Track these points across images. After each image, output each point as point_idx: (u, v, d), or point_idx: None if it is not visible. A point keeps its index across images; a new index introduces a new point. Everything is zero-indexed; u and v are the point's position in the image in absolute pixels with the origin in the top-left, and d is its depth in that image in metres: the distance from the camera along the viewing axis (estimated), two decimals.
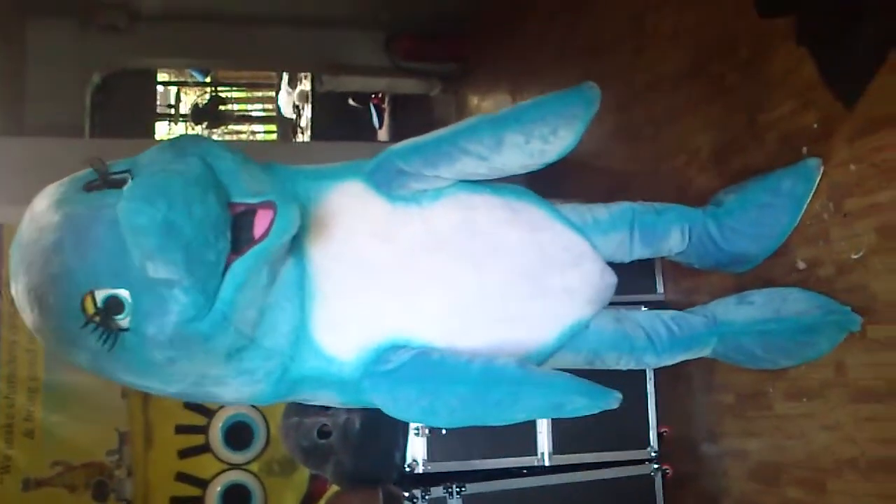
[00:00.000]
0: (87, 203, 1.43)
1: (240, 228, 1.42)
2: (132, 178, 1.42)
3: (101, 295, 1.41)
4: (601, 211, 2.01)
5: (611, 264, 1.99)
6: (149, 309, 1.39)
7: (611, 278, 1.97)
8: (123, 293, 1.40)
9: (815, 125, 2.11)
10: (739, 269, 2.23)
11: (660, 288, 2.81)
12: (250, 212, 1.43)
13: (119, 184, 1.43)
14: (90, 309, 1.42)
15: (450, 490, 2.48)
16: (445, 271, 1.72)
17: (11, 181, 3.63)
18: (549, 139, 1.68)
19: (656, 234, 2.06)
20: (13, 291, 1.52)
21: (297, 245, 1.57)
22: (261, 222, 1.42)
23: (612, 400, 1.62)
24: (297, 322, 1.59)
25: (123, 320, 1.41)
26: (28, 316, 1.52)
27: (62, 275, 1.42)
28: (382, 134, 7.37)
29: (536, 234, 1.85)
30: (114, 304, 1.41)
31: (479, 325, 1.75)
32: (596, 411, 1.64)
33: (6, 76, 4.81)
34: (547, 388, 1.65)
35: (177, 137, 1.54)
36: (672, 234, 2.08)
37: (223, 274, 1.40)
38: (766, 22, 2.28)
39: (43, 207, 1.49)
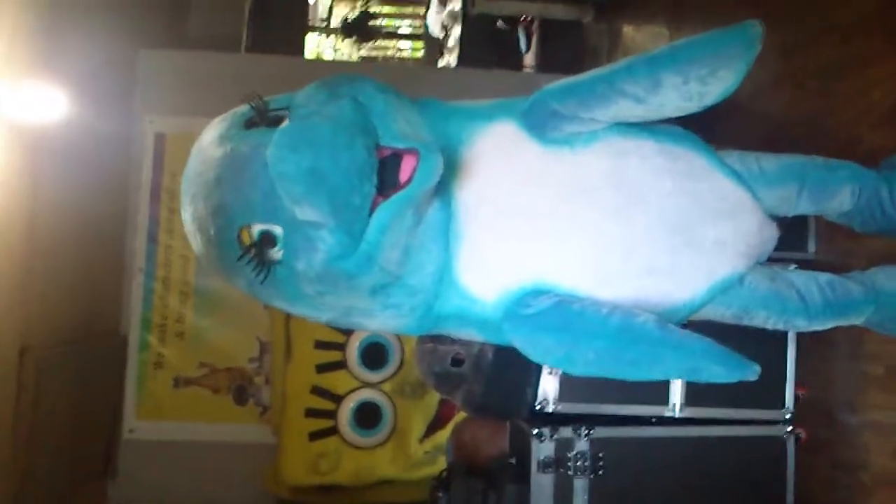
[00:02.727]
0: (246, 141, 1.48)
1: (386, 171, 1.43)
2: (288, 118, 1.46)
3: (256, 229, 1.47)
4: (771, 161, 1.92)
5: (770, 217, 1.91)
6: (299, 246, 1.45)
7: (771, 232, 1.89)
8: (277, 229, 1.46)
9: None
10: None
11: (811, 247, 2.69)
12: (397, 156, 1.44)
13: (277, 122, 1.47)
14: (246, 241, 1.48)
15: (578, 432, 2.49)
16: (593, 219, 1.69)
17: (172, 93, 3.82)
18: (707, 81, 1.60)
19: (826, 193, 1.96)
20: (183, 218, 1.61)
21: (444, 187, 1.56)
22: (406, 167, 1.44)
23: (751, 373, 1.58)
24: (441, 262, 1.60)
25: (277, 253, 1.47)
26: (194, 243, 1.61)
27: (221, 209, 1.48)
28: (529, 59, 7.26)
29: (691, 182, 1.78)
30: (268, 239, 1.47)
31: (625, 276, 1.72)
32: (733, 381, 1.60)
33: None
34: (685, 353, 1.61)
35: (333, 77, 1.55)
36: (842, 193, 1.97)
37: (369, 215, 1.43)
38: None
39: (207, 141, 1.55)
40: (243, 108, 1.55)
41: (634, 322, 1.62)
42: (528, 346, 1.68)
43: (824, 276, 2.02)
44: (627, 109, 1.66)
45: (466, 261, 1.63)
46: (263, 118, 1.51)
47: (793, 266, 2.11)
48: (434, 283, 1.61)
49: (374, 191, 1.42)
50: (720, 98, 1.65)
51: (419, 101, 1.67)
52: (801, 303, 1.95)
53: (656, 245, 1.73)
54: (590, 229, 1.69)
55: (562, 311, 1.64)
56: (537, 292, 1.66)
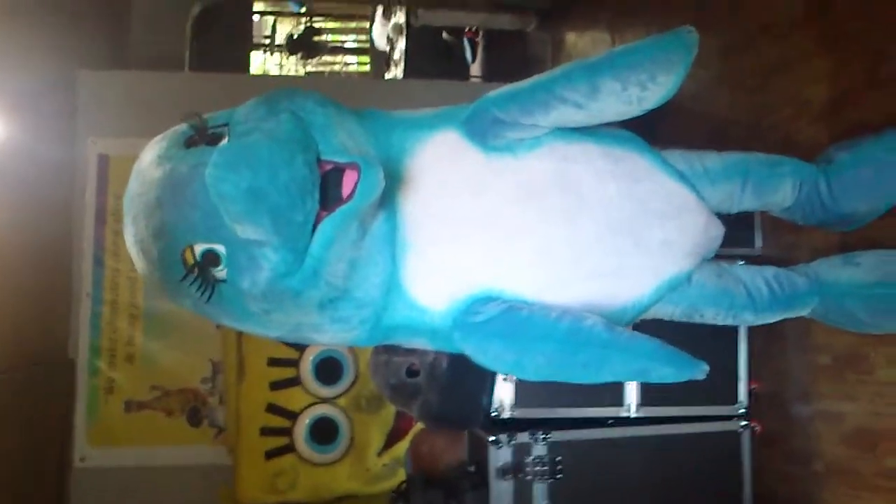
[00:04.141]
0: (185, 160, 1.46)
1: (329, 186, 1.42)
2: (228, 135, 1.45)
3: (199, 249, 1.45)
4: (714, 160, 1.94)
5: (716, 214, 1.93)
6: (242, 265, 1.43)
7: (716, 230, 1.91)
8: (220, 248, 1.44)
9: None
10: (845, 229, 2.15)
11: (758, 242, 2.73)
12: (339, 170, 1.43)
13: (216, 139, 1.46)
14: (190, 261, 1.46)
15: (535, 436, 2.49)
16: (538, 225, 1.70)
17: (114, 114, 3.77)
18: (646, 86, 1.61)
19: (769, 188, 1.99)
20: (126, 239, 1.59)
21: (388, 198, 1.56)
22: (348, 181, 1.42)
23: (699, 372, 1.58)
24: (388, 273, 1.60)
25: (221, 272, 1.46)
26: (138, 264, 1.59)
27: (162, 230, 1.47)
28: (475, 69, 7.29)
29: (636, 184, 1.80)
30: (211, 258, 1.45)
31: (573, 280, 1.73)
32: (682, 380, 1.61)
33: (112, 9, 4.90)
34: (633, 354, 1.62)
35: (272, 92, 1.54)
36: (784, 188, 2.01)
37: (313, 230, 1.42)
38: None
39: (147, 162, 1.53)
40: (182, 127, 1.53)
41: (582, 325, 1.63)
42: (478, 353, 1.68)
43: (770, 270, 2.05)
44: (568, 115, 1.67)
45: (413, 271, 1.62)
46: (203, 136, 1.49)
47: (740, 262, 2.13)
48: (382, 294, 1.60)
49: (317, 206, 1.40)
50: (660, 102, 1.66)
51: (362, 112, 1.67)
52: (749, 298, 1.98)
53: (603, 248, 1.74)
54: (537, 234, 1.69)
55: (510, 317, 1.64)
56: (486, 299, 1.66)
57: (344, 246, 1.47)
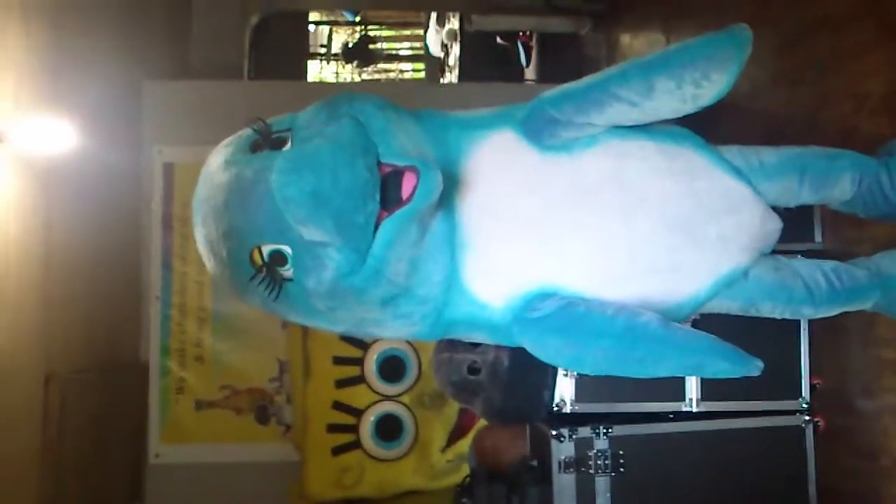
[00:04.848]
0: (250, 164, 1.52)
1: (389, 187, 1.47)
2: (291, 140, 1.51)
3: (266, 249, 1.51)
4: (770, 154, 1.94)
5: (773, 209, 1.93)
6: (308, 265, 1.48)
7: (773, 224, 1.91)
8: (286, 248, 1.50)
9: None
10: None
11: (818, 237, 2.71)
12: (398, 172, 1.47)
13: (281, 143, 1.52)
14: (258, 261, 1.52)
15: (597, 431, 2.51)
16: (594, 222, 1.71)
17: (178, 123, 3.87)
18: (701, 84, 1.63)
19: (827, 182, 1.98)
20: (196, 239, 1.65)
21: (447, 197, 1.59)
22: (408, 183, 1.46)
23: (754, 367, 1.59)
24: (448, 271, 1.63)
25: (287, 272, 1.52)
26: (208, 264, 1.65)
27: (231, 232, 1.53)
28: (530, 73, 7.31)
29: (692, 181, 1.80)
30: (278, 258, 1.51)
31: (629, 276, 1.74)
32: (737, 376, 1.62)
33: (173, 21, 5.03)
34: (688, 350, 1.63)
35: (333, 97, 1.59)
36: (843, 181, 1.99)
37: (374, 231, 1.46)
38: None
39: (214, 166, 1.59)
40: (248, 132, 1.59)
41: (638, 321, 1.64)
42: (537, 348, 1.71)
43: (829, 264, 2.03)
44: (623, 113, 1.69)
45: (473, 268, 1.66)
46: (267, 140, 1.55)
47: (799, 257, 2.12)
48: (442, 291, 1.64)
49: (378, 208, 1.45)
50: (714, 99, 1.68)
51: (419, 113, 1.71)
52: (807, 291, 1.96)
53: (659, 244, 1.75)
54: (594, 231, 1.71)
55: (569, 313, 1.66)
56: (544, 295, 1.69)
57: (404, 246, 1.51)
